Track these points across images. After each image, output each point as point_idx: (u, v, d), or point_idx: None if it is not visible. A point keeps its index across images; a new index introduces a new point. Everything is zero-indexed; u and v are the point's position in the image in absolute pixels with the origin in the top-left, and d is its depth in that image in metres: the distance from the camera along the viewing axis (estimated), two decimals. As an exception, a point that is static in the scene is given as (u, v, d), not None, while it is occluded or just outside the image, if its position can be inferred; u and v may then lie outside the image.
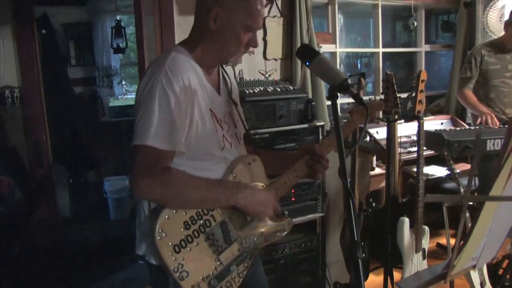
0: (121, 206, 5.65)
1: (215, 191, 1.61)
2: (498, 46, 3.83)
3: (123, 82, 7.03)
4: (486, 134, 3.19)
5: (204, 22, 1.63)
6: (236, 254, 1.68)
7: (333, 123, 3.55)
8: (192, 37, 1.71)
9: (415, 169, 2.82)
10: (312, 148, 1.88)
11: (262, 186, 1.79)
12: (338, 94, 1.58)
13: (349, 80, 1.56)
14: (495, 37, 4.45)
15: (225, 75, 1.85)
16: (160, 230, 1.51)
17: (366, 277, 3.04)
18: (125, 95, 7.35)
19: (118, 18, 5.97)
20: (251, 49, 1.76)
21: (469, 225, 2.30)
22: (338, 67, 4.51)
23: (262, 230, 1.76)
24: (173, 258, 1.54)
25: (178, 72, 1.54)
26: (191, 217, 1.58)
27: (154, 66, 1.58)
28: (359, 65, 6.82)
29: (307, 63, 1.63)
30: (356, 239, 1.25)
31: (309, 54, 1.63)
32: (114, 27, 5.80)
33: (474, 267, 1.20)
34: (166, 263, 1.53)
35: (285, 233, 1.86)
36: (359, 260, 1.23)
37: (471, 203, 1.91)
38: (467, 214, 2.42)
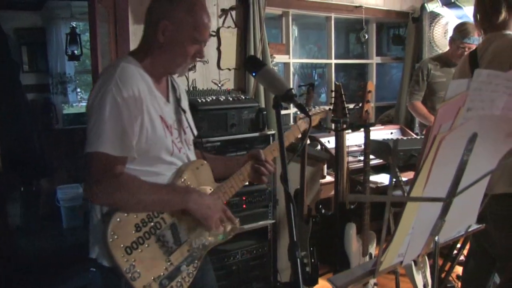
0: (74, 214, 5.57)
1: (167, 195, 1.68)
2: (444, 61, 4.03)
3: (78, 90, 6.96)
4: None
5: (153, 34, 1.70)
6: (186, 254, 1.75)
7: (284, 131, 3.64)
8: (141, 47, 1.78)
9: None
10: (257, 153, 1.98)
11: (210, 189, 1.87)
12: (283, 103, 1.67)
13: (293, 90, 1.64)
14: (440, 51, 4.67)
15: (174, 83, 1.91)
16: (112, 233, 1.56)
17: (315, 282, 3.11)
18: (80, 102, 7.27)
19: (74, 25, 5.93)
20: (204, 58, 1.83)
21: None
22: (292, 77, 4.61)
23: (211, 231, 1.82)
24: (125, 260, 1.58)
25: (127, 81, 1.60)
26: (142, 219, 1.64)
27: (104, 76, 1.63)
28: (314, 75, 6.97)
29: (253, 74, 1.70)
30: (295, 240, 1.33)
31: (255, 65, 1.70)
32: (69, 34, 5.75)
33: (401, 263, 1.28)
34: (119, 264, 1.58)
35: (232, 234, 1.93)
36: (298, 259, 1.30)
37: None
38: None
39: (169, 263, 1.70)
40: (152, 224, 1.66)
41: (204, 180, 1.85)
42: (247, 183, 2.02)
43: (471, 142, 1.14)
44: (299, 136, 2.31)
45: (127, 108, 1.57)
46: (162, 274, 1.68)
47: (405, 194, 2.76)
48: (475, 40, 3.74)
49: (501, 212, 2.25)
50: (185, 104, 1.94)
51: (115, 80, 1.58)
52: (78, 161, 6.00)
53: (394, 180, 3.33)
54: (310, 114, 2.45)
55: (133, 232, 1.62)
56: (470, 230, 1.49)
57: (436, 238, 1.28)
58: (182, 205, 1.70)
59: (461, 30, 3.80)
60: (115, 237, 1.57)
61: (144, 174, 1.67)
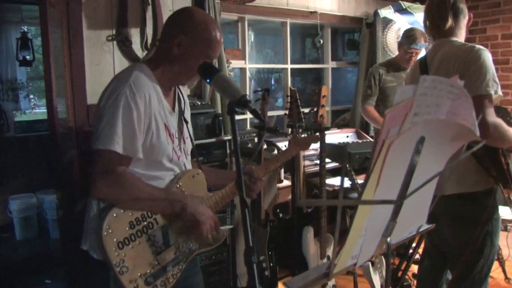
0: (28, 225, 5.39)
1: (165, 198, 1.79)
2: (393, 65, 4.13)
3: (31, 96, 6.76)
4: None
5: (168, 46, 1.82)
6: (173, 256, 1.84)
7: (243, 137, 3.66)
8: (155, 57, 1.91)
9: (319, 181, 2.97)
10: (250, 170, 2.07)
11: (202, 198, 1.96)
12: (238, 109, 1.70)
13: (247, 96, 1.67)
14: (393, 55, 4.79)
15: (181, 95, 2.02)
16: (107, 227, 1.67)
17: (275, 286, 3.13)
18: (33, 109, 7.05)
19: (25, 29, 5.76)
20: None
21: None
22: (248, 82, 4.63)
23: (198, 237, 1.89)
24: (116, 254, 1.68)
25: (140, 87, 1.72)
26: (136, 218, 1.74)
27: (118, 80, 1.75)
28: (271, 80, 7.01)
29: (208, 80, 1.74)
30: (251, 245, 1.34)
31: (209, 71, 1.74)
32: (20, 39, 5.58)
33: (355, 265, 1.31)
34: (109, 257, 1.67)
35: (219, 242, 2.01)
36: (254, 265, 1.32)
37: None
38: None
39: (156, 262, 1.78)
40: (145, 223, 1.76)
41: (198, 189, 1.94)
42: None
43: (419, 145, 1.18)
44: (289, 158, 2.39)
45: (138, 112, 1.69)
46: (148, 271, 1.76)
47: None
48: (422, 45, 3.88)
49: (452, 212, 2.33)
50: (187, 115, 2.05)
51: (130, 84, 1.70)
52: (32, 169, 5.83)
53: (350, 183, 3.39)
54: (300, 137, 2.49)
55: (127, 228, 1.72)
56: (421, 230, 1.54)
57: (388, 239, 1.31)
58: (178, 210, 1.78)
59: (408, 36, 3.93)
60: (110, 231, 1.67)
61: (144, 177, 1.78)
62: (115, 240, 1.68)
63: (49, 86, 3.30)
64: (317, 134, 2.76)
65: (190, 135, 2.03)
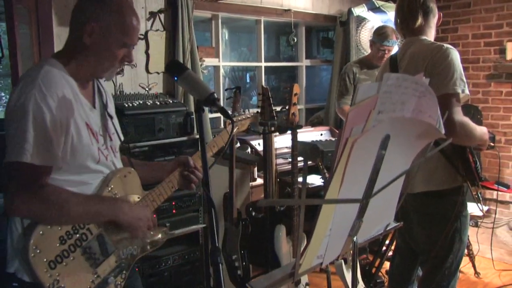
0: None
1: (94, 206, 1.62)
2: (366, 63, 4.15)
3: (2, 94, 6.61)
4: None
5: (79, 36, 1.62)
6: (114, 265, 1.70)
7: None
8: (66, 50, 1.70)
9: (293, 179, 2.97)
10: (186, 160, 1.95)
11: (138, 197, 1.82)
12: (205, 107, 1.67)
13: (215, 94, 1.65)
14: (367, 53, 4.82)
15: (101, 88, 1.84)
16: (34, 247, 1.48)
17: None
18: (4, 107, 6.89)
19: (-7, 25, 5.62)
20: (133, 62, 1.80)
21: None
22: (222, 80, 4.60)
23: (139, 240, 1.80)
24: (49, 275, 1.51)
25: (52, 86, 1.52)
26: (67, 231, 1.57)
27: (26, 79, 1.54)
28: (247, 78, 6.98)
29: (175, 78, 1.69)
30: (216, 245, 1.33)
31: (177, 69, 1.68)
32: (-12, 35, 5.45)
33: (321, 264, 1.30)
34: (41, 280, 1.50)
35: (161, 243, 1.91)
36: (220, 264, 1.30)
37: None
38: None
39: (96, 276, 1.64)
40: (77, 236, 1.60)
41: (132, 188, 1.81)
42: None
43: (384, 143, 1.18)
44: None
45: (51, 114, 1.50)
46: (88, 287, 1.62)
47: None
48: (394, 42, 3.91)
49: (421, 209, 2.36)
50: (111, 109, 1.87)
51: (38, 84, 1.50)
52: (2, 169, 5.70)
53: (322, 181, 3.40)
54: (239, 119, 2.47)
55: (57, 245, 1.54)
56: (388, 228, 1.54)
57: (355, 238, 1.30)
58: (111, 217, 1.66)
59: (380, 34, 3.95)
60: (38, 251, 1.49)
61: (69, 183, 1.60)
62: (45, 260, 1.50)
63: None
64: (256, 112, 2.74)
65: (116, 130, 1.85)
